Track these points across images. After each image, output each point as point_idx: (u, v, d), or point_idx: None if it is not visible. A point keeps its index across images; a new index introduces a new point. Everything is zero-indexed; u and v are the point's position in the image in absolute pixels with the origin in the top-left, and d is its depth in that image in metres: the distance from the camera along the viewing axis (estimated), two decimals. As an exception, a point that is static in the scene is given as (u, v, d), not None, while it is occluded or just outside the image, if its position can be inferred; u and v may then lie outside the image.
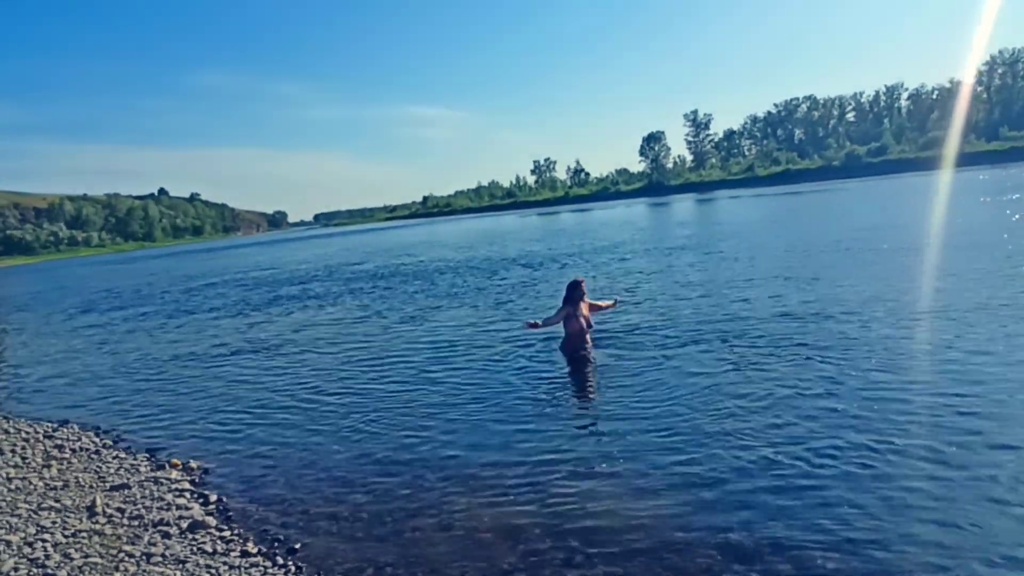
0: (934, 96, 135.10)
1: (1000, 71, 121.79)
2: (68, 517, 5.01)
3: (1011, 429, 5.09)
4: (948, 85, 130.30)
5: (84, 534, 4.70)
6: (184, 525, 4.80)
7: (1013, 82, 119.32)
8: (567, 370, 8.26)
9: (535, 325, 8.56)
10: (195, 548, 4.45)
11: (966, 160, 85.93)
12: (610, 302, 9.58)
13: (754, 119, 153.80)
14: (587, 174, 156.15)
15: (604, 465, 5.22)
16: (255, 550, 4.42)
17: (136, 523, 4.87)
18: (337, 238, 78.82)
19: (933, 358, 7.07)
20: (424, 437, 6.30)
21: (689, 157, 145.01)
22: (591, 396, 7.27)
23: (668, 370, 7.61)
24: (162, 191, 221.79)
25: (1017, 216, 20.69)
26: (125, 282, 36.14)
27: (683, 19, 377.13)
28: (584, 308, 8.75)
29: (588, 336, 8.75)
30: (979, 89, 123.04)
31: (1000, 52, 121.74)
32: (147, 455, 6.65)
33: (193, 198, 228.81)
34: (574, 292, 8.66)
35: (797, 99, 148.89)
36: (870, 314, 9.27)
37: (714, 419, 5.94)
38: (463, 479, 5.27)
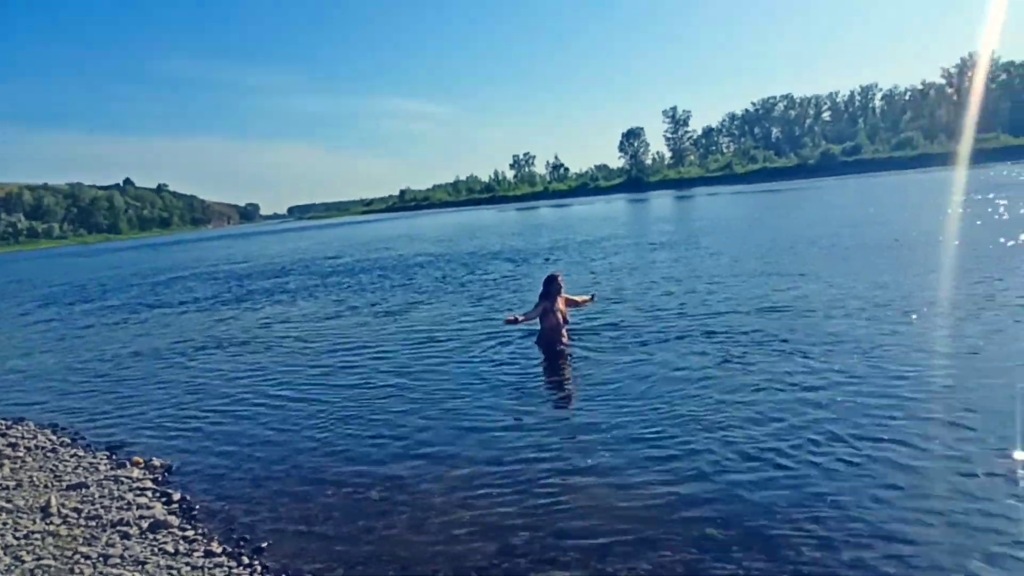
0: (906, 97, 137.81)
1: (969, 74, 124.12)
2: (20, 518, 4.81)
3: (992, 424, 5.12)
4: (920, 87, 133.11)
5: (37, 535, 4.51)
6: (145, 525, 4.63)
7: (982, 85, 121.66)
8: (544, 365, 8.19)
9: (515, 320, 8.49)
10: (156, 548, 4.29)
11: (935, 160, 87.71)
12: (587, 297, 9.50)
13: (732, 117, 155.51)
14: (566, 169, 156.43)
15: (580, 462, 5.16)
16: (219, 550, 4.28)
17: (94, 523, 4.69)
18: (312, 231, 77.94)
19: (913, 352, 7.13)
20: (397, 433, 6.19)
21: (668, 154, 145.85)
22: (567, 392, 7.21)
23: (646, 365, 7.57)
24: (128, 181, 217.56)
25: (992, 216, 21.11)
26: (87, 275, 35.36)
27: (665, 16, 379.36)
28: (561, 303, 8.69)
29: (565, 331, 8.71)
30: (949, 91, 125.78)
31: (970, 55, 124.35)
32: (107, 453, 6.44)
33: (160, 189, 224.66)
34: (550, 287, 8.61)
35: (774, 97, 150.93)
36: (851, 309, 9.34)
37: (692, 416, 5.91)
38: (437, 476, 5.17)
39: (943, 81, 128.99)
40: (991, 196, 28.92)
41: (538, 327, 8.80)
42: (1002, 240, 14.86)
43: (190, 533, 4.53)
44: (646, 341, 8.65)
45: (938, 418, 5.35)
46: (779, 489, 4.46)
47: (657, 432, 5.60)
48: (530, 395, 7.08)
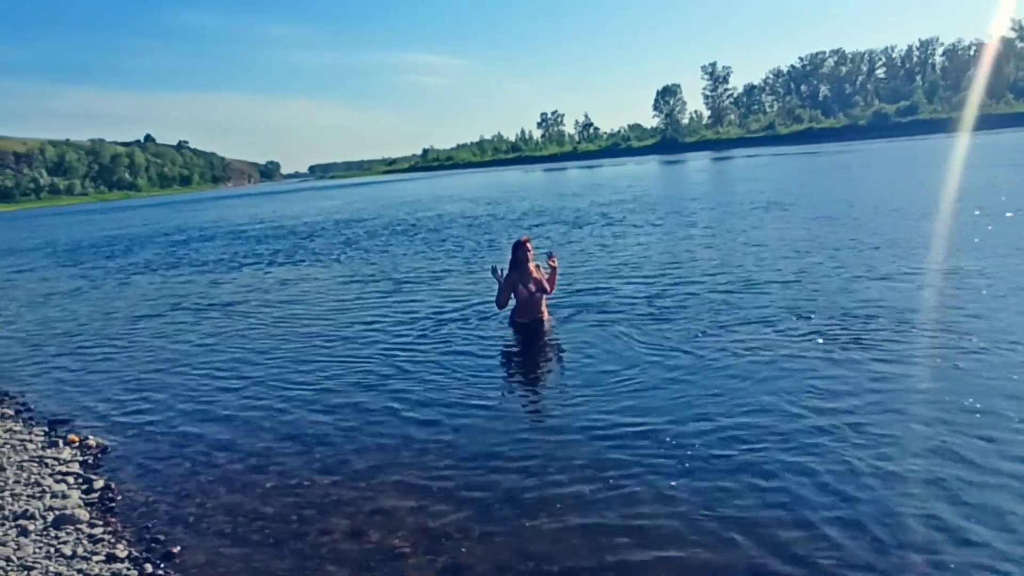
0: (971, 52, 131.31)
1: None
2: (-82, 505, 4.40)
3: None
4: (988, 40, 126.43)
5: (-73, 528, 4.08)
6: (50, 519, 4.18)
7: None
8: (518, 347, 7.52)
9: (497, 273, 7.79)
10: (53, 549, 3.82)
11: (1002, 122, 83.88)
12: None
13: (777, 73, 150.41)
14: (596, 129, 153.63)
15: (552, 466, 4.51)
16: (124, 554, 3.80)
17: (-7, 515, 4.25)
18: (335, 191, 77.63)
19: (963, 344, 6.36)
20: (363, 423, 5.60)
21: (706, 113, 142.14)
22: (545, 379, 6.56)
23: (644, 349, 6.88)
24: (148, 138, 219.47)
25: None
26: (103, 234, 35.59)
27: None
28: (536, 272, 7.83)
29: (544, 304, 7.91)
30: (1021, 45, 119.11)
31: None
32: (46, 428, 6.03)
33: (181, 146, 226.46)
34: (517, 255, 7.76)
35: (824, 53, 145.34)
36: (899, 289, 8.55)
37: (693, 414, 5.26)
38: (391, 474, 4.58)
39: (1014, 35, 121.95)
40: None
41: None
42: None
43: (98, 531, 4.07)
44: (653, 320, 7.96)
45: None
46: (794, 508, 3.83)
47: (641, 430, 4.94)
48: (501, 383, 6.40)
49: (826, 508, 3.70)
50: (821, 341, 6.51)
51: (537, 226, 19.63)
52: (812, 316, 7.39)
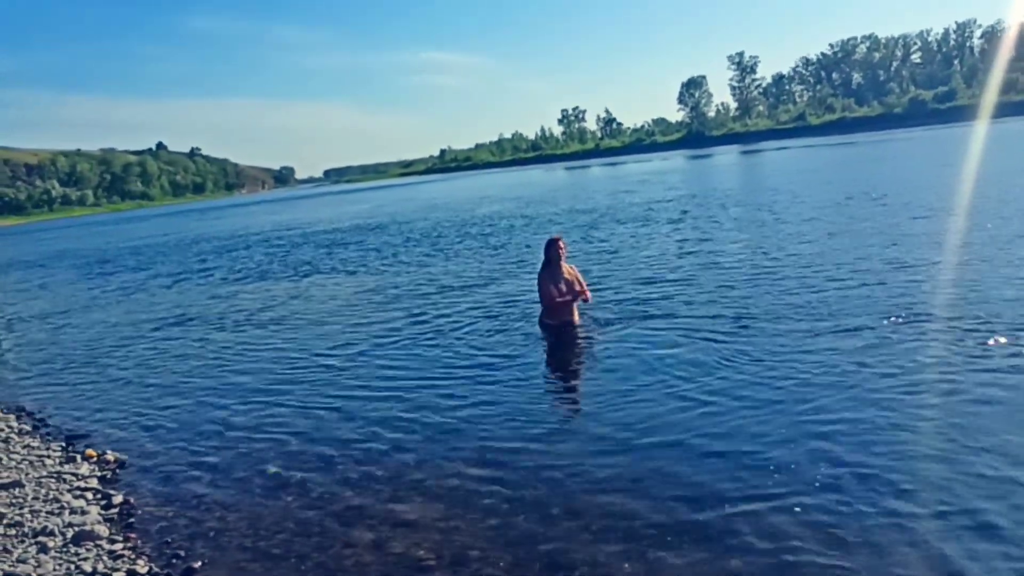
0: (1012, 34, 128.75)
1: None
2: (-64, 523, 4.49)
3: None
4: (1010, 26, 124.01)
5: (-54, 546, 4.17)
6: (70, 535, 4.24)
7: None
8: (547, 352, 7.49)
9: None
10: (73, 566, 3.89)
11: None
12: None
13: (806, 61, 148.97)
14: (619, 124, 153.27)
15: (579, 477, 4.50)
16: (145, 569, 3.85)
17: (13, 532, 4.33)
18: (354, 195, 77.98)
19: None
20: (385, 432, 5.62)
21: (733, 105, 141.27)
22: (573, 387, 6.56)
23: (684, 355, 6.79)
24: (160, 145, 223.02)
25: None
26: (113, 246, 36.21)
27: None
28: (568, 272, 7.81)
29: (575, 306, 7.88)
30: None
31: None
32: (63, 443, 6.13)
33: (193, 153, 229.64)
34: (549, 253, 7.76)
35: (855, 39, 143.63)
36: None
37: (722, 428, 5.20)
38: (414, 484, 4.62)
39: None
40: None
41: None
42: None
43: (118, 546, 4.12)
44: (706, 328, 7.60)
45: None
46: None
47: (672, 443, 4.87)
48: (532, 389, 6.36)
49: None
50: (932, 344, 6.41)
51: (598, 227, 19.59)
52: (928, 320, 7.26)
